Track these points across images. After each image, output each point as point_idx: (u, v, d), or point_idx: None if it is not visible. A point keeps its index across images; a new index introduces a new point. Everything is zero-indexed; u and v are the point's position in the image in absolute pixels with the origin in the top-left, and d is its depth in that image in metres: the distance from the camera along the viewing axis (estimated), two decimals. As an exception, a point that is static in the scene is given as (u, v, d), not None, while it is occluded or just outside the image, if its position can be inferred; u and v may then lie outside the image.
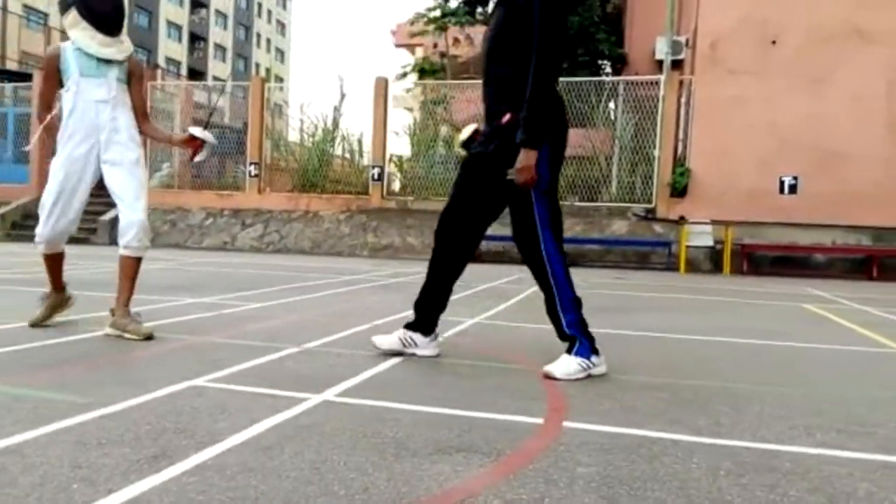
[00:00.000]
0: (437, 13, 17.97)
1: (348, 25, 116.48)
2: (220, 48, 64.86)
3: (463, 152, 3.23)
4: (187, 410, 2.19)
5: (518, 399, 2.52)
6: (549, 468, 1.81)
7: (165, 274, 7.40)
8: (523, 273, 9.43)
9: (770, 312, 5.89)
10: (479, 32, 19.11)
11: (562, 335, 2.98)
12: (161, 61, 52.18)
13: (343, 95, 14.67)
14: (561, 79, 14.26)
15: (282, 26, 77.50)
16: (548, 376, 2.86)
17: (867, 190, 10.99)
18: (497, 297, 6.12)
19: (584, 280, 8.36)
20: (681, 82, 12.32)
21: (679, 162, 12.10)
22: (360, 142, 14.88)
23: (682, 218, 11.54)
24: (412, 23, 19.93)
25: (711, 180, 11.67)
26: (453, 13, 17.80)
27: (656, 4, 14.18)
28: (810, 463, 1.93)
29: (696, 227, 11.29)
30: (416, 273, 8.77)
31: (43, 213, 3.49)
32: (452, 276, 3.17)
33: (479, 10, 17.92)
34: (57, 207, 3.46)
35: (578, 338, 2.92)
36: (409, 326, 3.22)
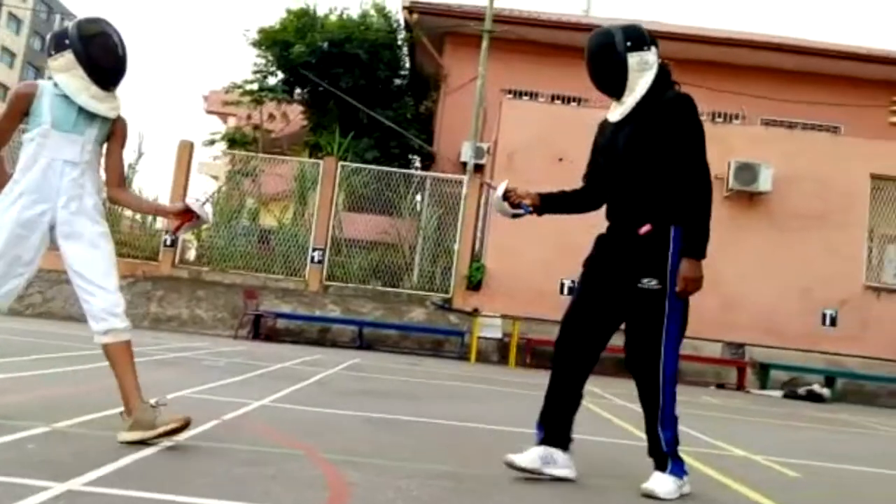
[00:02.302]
0: (255, 87, 17.82)
1: (156, 81, 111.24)
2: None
3: (503, 205, 3.24)
4: None
5: (297, 489, 2.37)
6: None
7: None
8: (322, 354, 9.22)
9: (548, 404, 6.26)
10: (295, 111, 19.20)
11: (655, 452, 2.92)
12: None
13: (141, 154, 13.79)
14: (372, 167, 14.55)
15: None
16: (649, 495, 2.79)
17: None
18: (288, 378, 5.87)
19: (380, 364, 8.35)
20: (482, 185, 13.25)
21: (476, 257, 12.82)
22: (154, 204, 13.90)
23: (475, 310, 12.12)
24: (227, 91, 19.53)
25: (503, 277, 12.48)
26: (271, 89, 17.76)
27: (463, 112, 15.33)
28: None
29: (488, 320, 11.91)
30: (200, 348, 8.18)
31: None
32: (582, 381, 3.07)
33: (298, 91, 18.08)
34: None
35: (672, 458, 2.89)
36: (545, 442, 3.01)
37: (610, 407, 6.45)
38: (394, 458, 3.02)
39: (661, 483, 2.82)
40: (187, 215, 3.17)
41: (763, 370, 11.89)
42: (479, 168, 14.04)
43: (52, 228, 2.89)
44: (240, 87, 18.01)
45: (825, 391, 11.06)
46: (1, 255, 2.81)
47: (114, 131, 3.05)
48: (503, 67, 15.31)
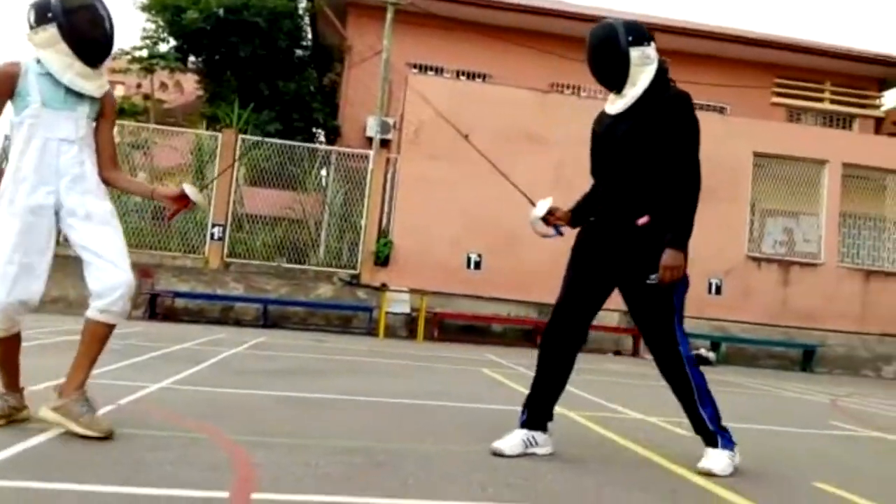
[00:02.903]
0: (145, 53, 16.79)
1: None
2: None
3: (542, 226, 3.32)
4: None
5: (202, 471, 2.31)
6: (231, 546, 1.66)
7: None
8: (224, 334, 8.95)
9: (456, 376, 6.39)
10: (189, 81, 18.30)
11: (702, 430, 2.98)
12: None
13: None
14: (275, 141, 14.12)
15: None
16: (707, 473, 2.85)
17: (535, 268, 12.76)
18: (189, 359, 5.67)
19: (286, 342, 8.21)
20: (388, 160, 13.16)
21: (383, 233, 12.77)
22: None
23: (383, 285, 12.11)
24: (114, 58, 18.31)
25: (411, 252, 12.51)
26: (163, 56, 16.78)
27: (368, 86, 15.11)
28: (484, 517, 2.07)
29: (396, 295, 11.93)
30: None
31: None
32: (569, 367, 3.14)
33: (192, 59, 17.19)
34: (12, 268, 2.60)
35: (719, 432, 2.96)
36: (527, 426, 3.08)
37: (516, 377, 6.65)
38: (303, 436, 2.99)
39: (717, 460, 2.91)
40: (183, 201, 3.04)
41: (656, 337, 12.58)
42: (385, 143, 13.92)
43: (57, 212, 2.72)
44: (128, 53, 16.92)
45: (711, 355, 11.87)
46: (14, 248, 2.62)
47: (103, 109, 2.88)
48: (408, 41, 15.17)
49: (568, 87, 16.21)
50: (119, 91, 23.88)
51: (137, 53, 16.91)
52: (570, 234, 3.32)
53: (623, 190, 3.07)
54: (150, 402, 3.58)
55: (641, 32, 3.05)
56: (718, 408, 2.99)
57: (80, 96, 2.76)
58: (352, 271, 12.57)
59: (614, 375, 8.00)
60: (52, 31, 2.67)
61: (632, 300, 3.05)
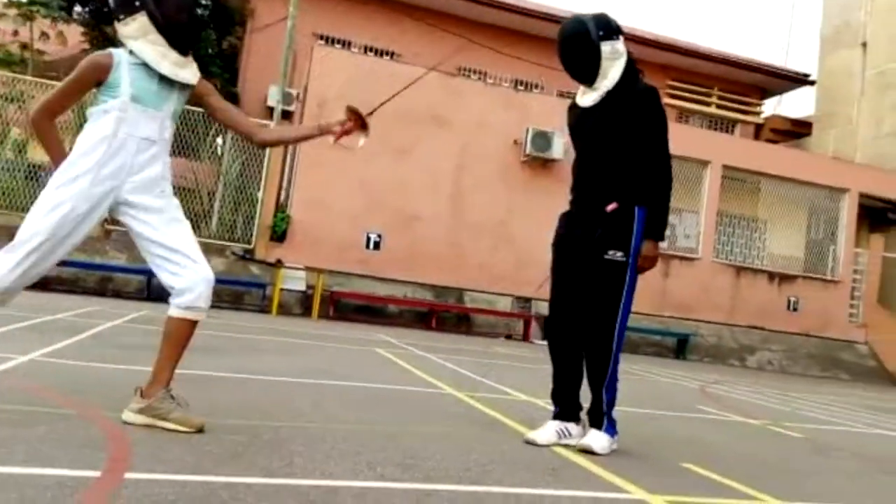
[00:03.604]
0: (23, -1, 15.39)
1: None
2: None
3: None
4: None
5: (73, 449, 2.17)
6: (100, 528, 1.57)
7: None
8: (102, 305, 8.42)
9: (349, 356, 6.35)
10: (74, 32, 16.98)
11: (596, 411, 3.13)
12: None
13: None
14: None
15: None
16: (586, 450, 3.01)
17: (433, 251, 12.86)
18: (62, 330, 5.31)
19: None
20: (289, 131, 12.78)
21: (281, 207, 12.43)
22: None
23: (279, 261, 11.81)
24: (-13, 0, 16.68)
25: (309, 229, 12.26)
26: (44, 4, 15.44)
27: (271, 54, 14.59)
28: (370, 496, 2.08)
29: (291, 272, 11.67)
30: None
31: (15, 253, 2.47)
32: (579, 354, 3.18)
33: (78, 9, 15.91)
34: (40, 250, 2.49)
35: (609, 418, 3.11)
36: (559, 417, 3.19)
37: (409, 357, 6.69)
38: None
39: (598, 439, 3.07)
40: (352, 122, 2.95)
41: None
42: (287, 114, 13.50)
43: (116, 205, 2.62)
44: (4, -4, 15.46)
45: (596, 341, 12.44)
46: (50, 235, 2.49)
47: (202, 92, 2.80)
48: (315, 10, 14.79)
49: (475, 72, 16.35)
50: (-8, 37, 21.82)
51: (15, -2, 15.48)
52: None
53: (595, 179, 3.20)
54: (17, 376, 3.32)
55: (611, 27, 3.14)
56: (617, 398, 3.18)
57: (169, 92, 2.67)
58: (246, 245, 12.17)
59: (505, 359, 8.22)
60: (142, 19, 2.57)
61: (588, 277, 3.16)
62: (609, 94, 3.16)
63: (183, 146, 11.95)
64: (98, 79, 2.58)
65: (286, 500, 1.93)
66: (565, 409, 3.21)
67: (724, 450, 3.77)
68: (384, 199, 12.62)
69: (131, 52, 2.59)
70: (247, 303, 11.73)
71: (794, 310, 14.77)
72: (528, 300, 13.05)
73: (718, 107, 19.10)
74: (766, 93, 20.05)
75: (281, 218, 12.13)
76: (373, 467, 2.40)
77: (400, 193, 12.69)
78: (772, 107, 21.07)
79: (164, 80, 2.63)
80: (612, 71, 3.14)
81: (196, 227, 12.02)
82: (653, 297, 13.81)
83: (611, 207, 3.12)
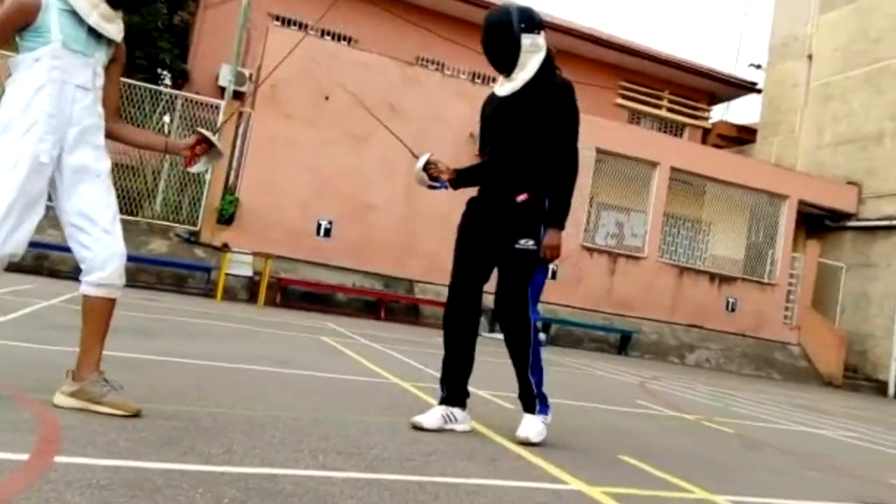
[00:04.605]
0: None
1: None
2: None
3: (423, 176, 3.33)
4: None
5: (1, 431, 2.08)
6: (24, 514, 1.52)
7: None
8: (36, 284, 8.09)
9: (295, 343, 6.27)
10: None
11: (526, 395, 3.18)
12: None
13: None
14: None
15: None
16: (525, 443, 3.03)
17: (385, 240, 12.80)
18: (-8, 309, 5.09)
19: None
20: (241, 113, 12.50)
21: (230, 190, 12.17)
22: None
23: (225, 245, 11.56)
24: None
25: (258, 213, 12.04)
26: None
27: (225, 30, 14.23)
28: (310, 484, 2.06)
29: (238, 257, 11.44)
30: None
31: None
32: (473, 340, 3.23)
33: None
34: (14, 212, 2.38)
35: (540, 397, 3.17)
36: (445, 402, 3.20)
37: (356, 346, 6.65)
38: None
39: (531, 426, 3.12)
40: (201, 146, 2.87)
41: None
42: (238, 95, 13.20)
43: (56, 163, 2.50)
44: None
45: (542, 336, 12.61)
46: (19, 195, 2.39)
47: (116, 56, 2.69)
48: (272, -9, 14.46)
49: (433, 62, 16.31)
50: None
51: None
52: (454, 206, 3.34)
53: (506, 168, 3.23)
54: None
55: (533, 20, 3.19)
56: (544, 379, 3.24)
57: (98, 41, 2.57)
58: (191, 227, 11.88)
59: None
60: None
61: (500, 266, 3.22)
62: (526, 86, 3.21)
63: (127, 122, 11.53)
64: (26, 20, 2.45)
65: (224, 487, 1.90)
66: (452, 394, 3.23)
67: (660, 443, 3.88)
68: (337, 185, 12.49)
69: None
70: (190, 286, 11.47)
71: (732, 310, 15.27)
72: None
73: (669, 110, 19.55)
74: (714, 98, 20.61)
75: (229, 201, 11.88)
76: (315, 455, 2.38)
77: (354, 181, 12.57)
78: (720, 112, 21.70)
79: (92, 31, 2.55)
80: (530, 63, 3.19)
81: (139, 207, 11.69)
82: (598, 293, 14.08)
83: (521, 198, 3.16)
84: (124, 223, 2.47)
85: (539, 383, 3.21)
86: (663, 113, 19.47)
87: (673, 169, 14.85)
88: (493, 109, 3.34)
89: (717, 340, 15.01)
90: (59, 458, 1.92)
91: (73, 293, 7.60)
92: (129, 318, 6.08)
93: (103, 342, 2.62)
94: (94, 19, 2.52)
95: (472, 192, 3.40)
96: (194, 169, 2.96)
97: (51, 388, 2.56)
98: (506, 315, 3.19)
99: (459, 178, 3.42)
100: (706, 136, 19.98)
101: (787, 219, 15.76)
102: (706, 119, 20.28)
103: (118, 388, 2.56)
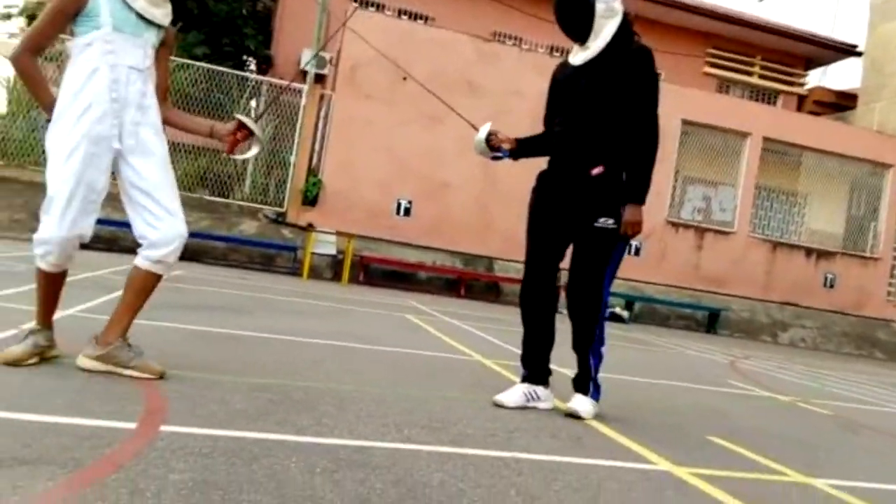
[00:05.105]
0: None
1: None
2: None
3: (484, 147, 3.31)
4: None
5: (109, 402, 2.24)
6: (136, 477, 1.63)
7: None
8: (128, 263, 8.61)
9: (378, 320, 6.41)
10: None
11: (583, 376, 3.13)
12: None
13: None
14: (202, 65, 13.39)
15: None
16: (573, 415, 3.03)
17: (462, 219, 12.83)
18: (101, 287, 5.44)
19: (206, 276, 8.00)
20: (322, 96, 12.77)
21: (313, 172, 12.48)
22: (-66, 85, 11.92)
23: (310, 225, 11.90)
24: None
25: (340, 193, 12.31)
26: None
27: (306, 15, 14.50)
28: (397, 457, 2.11)
29: (322, 236, 11.76)
30: (-4, 253, 7.31)
31: (53, 209, 2.49)
32: (552, 318, 3.19)
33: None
34: (76, 201, 2.50)
35: (595, 383, 3.12)
36: (528, 380, 3.18)
37: (437, 323, 6.73)
38: (220, 372, 2.94)
39: (583, 403, 3.10)
40: (242, 132, 2.93)
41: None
42: (320, 78, 13.47)
43: (114, 145, 2.58)
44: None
45: (625, 313, 12.37)
46: (79, 179, 2.47)
47: (165, 39, 2.75)
48: (350, -27, 14.59)
49: (510, 37, 16.09)
50: (31, -4, 22.01)
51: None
52: (523, 183, 3.32)
53: (580, 140, 3.12)
54: (56, 331, 3.42)
55: None
56: (601, 365, 3.18)
57: (148, 22, 2.64)
58: (278, 209, 12.28)
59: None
60: None
61: (577, 244, 3.13)
62: (602, 53, 3.07)
63: (216, 108, 12.03)
64: (77, 7, 2.53)
65: (316, 458, 1.97)
66: (534, 372, 3.21)
67: (752, 424, 3.74)
68: (415, 165, 12.59)
69: None
70: (278, 265, 11.89)
71: (831, 286, 14.47)
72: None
73: (761, 77, 18.53)
74: (810, 63, 19.37)
75: (313, 182, 12.19)
76: (400, 429, 2.44)
77: (430, 160, 12.64)
78: (816, 78, 20.39)
79: (140, 15, 2.61)
80: (605, 29, 3.05)
81: (229, 190, 12.17)
82: (685, 270, 13.65)
83: (596, 171, 3.05)
84: (217, 206, 2.60)
85: (597, 368, 3.15)
86: (755, 80, 18.48)
87: (765, 139, 14.12)
88: (566, 78, 3.21)
89: (814, 318, 14.28)
90: (164, 428, 2.05)
91: (174, 272, 8.04)
92: (224, 295, 6.38)
93: (137, 313, 2.74)
94: (139, 4, 2.58)
95: (542, 165, 3.29)
96: (237, 155, 3.02)
97: (153, 361, 2.71)
98: (580, 294, 3.11)
99: (521, 148, 3.34)
100: (802, 103, 18.84)
101: (891, 189, 14.74)
102: (802, 85, 19.11)
103: (139, 353, 2.67)
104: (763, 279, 14.18)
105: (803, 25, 20.69)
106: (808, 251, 14.51)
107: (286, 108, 12.44)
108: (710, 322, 13.55)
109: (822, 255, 14.54)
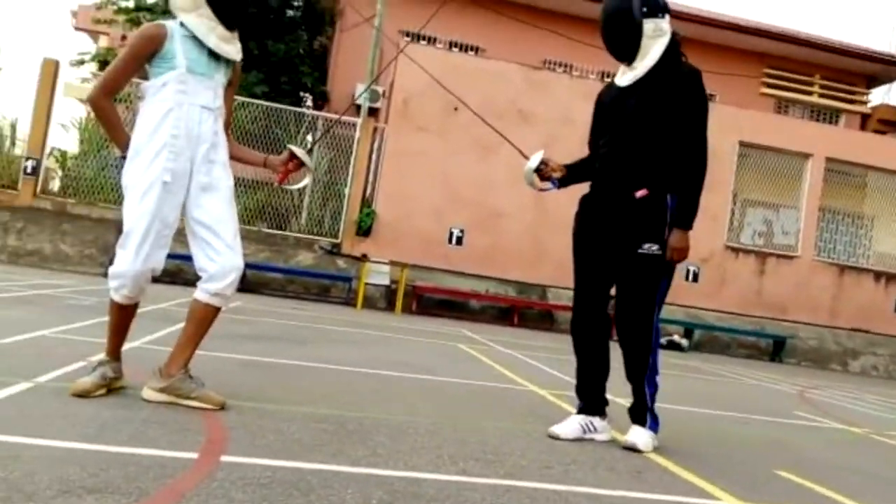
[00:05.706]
0: (131, 4, 16.36)
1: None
2: None
3: (533, 178, 3.26)
4: None
5: (172, 432, 2.30)
6: (197, 507, 1.66)
7: None
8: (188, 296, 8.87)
9: (432, 350, 6.42)
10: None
11: (639, 406, 3.05)
12: None
13: (-2, 70, 12.42)
14: (261, 102, 13.84)
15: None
16: (631, 448, 2.94)
17: (515, 247, 12.79)
18: (165, 319, 5.63)
19: (264, 307, 8.18)
20: (375, 129, 13.03)
21: (367, 203, 12.70)
22: (13, 127, 12.67)
23: (364, 256, 12.07)
24: (99, 7, 17.84)
25: (393, 224, 12.47)
26: (149, 9, 16.35)
27: (360, 51, 14.89)
28: (451, 489, 2.10)
29: (376, 266, 11.90)
30: (64, 286, 7.66)
31: (129, 243, 2.62)
32: (606, 347, 3.13)
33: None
34: (150, 237, 2.63)
35: (652, 413, 3.04)
36: (584, 411, 3.13)
37: (491, 353, 6.69)
38: (277, 401, 2.99)
39: (641, 436, 3.01)
40: (293, 163, 3.03)
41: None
42: (373, 111, 13.77)
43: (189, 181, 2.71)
44: (113, 3, 16.49)
45: (684, 341, 12.02)
46: (154, 215, 2.61)
47: (231, 78, 2.87)
48: (401, 8, 14.95)
49: (560, 64, 16.13)
50: (103, 43, 23.32)
51: (123, 4, 16.49)
52: (567, 209, 3.31)
53: (625, 162, 3.05)
54: (123, 361, 3.54)
55: (656, 3, 2.99)
56: (657, 394, 3.08)
57: (217, 62, 2.76)
58: (333, 240, 12.51)
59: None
60: None
61: (622, 270, 3.05)
62: (649, 74, 3.00)
63: (274, 142, 12.40)
64: (153, 49, 2.65)
65: (372, 489, 1.98)
66: (590, 403, 3.13)
67: (822, 458, 3.57)
68: (467, 195, 12.66)
69: (182, 25, 2.68)
70: (333, 295, 12.07)
71: (904, 312, 13.77)
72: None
73: (821, 96, 18.01)
74: (873, 81, 18.74)
75: (367, 213, 12.39)
76: (455, 461, 2.42)
77: (482, 189, 12.69)
78: (880, 96, 19.70)
79: (212, 53, 2.72)
80: (652, 50, 2.98)
81: (286, 222, 12.47)
82: (745, 296, 13.22)
83: (640, 193, 2.97)
84: (275, 238, 2.67)
85: (653, 397, 3.04)
86: (815, 99, 17.97)
87: (828, 159, 13.66)
88: (612, 99, 3.15)
89: (886, 345, 13.58)
90: (224, 458, 2.09)
91: (234, 304, 8.25)
92: (281, 326, 6.50)
93: (198, 344, 2.81)
94: (213, 41, 2.69)
95: (585, 189, 3.23)
96: (289, 185, 3.07)
97: (217, 393, 2.78)
98: (629, 323, 3.03)
99: (568, 175, 3.28)
100: (865, 121, 18.20)
101: (967, 209, 14.01)
102: (864, 103, 18.47)
103: (200, 384, 2.73)
104: (829, 304, 13.60)
105: (863, 42, 20.05)
106: (877, 274, 13.87)
107: (341, 141, 12.73)
108: (776, 350, 13.05)
109: (893, 278, 13.88)
